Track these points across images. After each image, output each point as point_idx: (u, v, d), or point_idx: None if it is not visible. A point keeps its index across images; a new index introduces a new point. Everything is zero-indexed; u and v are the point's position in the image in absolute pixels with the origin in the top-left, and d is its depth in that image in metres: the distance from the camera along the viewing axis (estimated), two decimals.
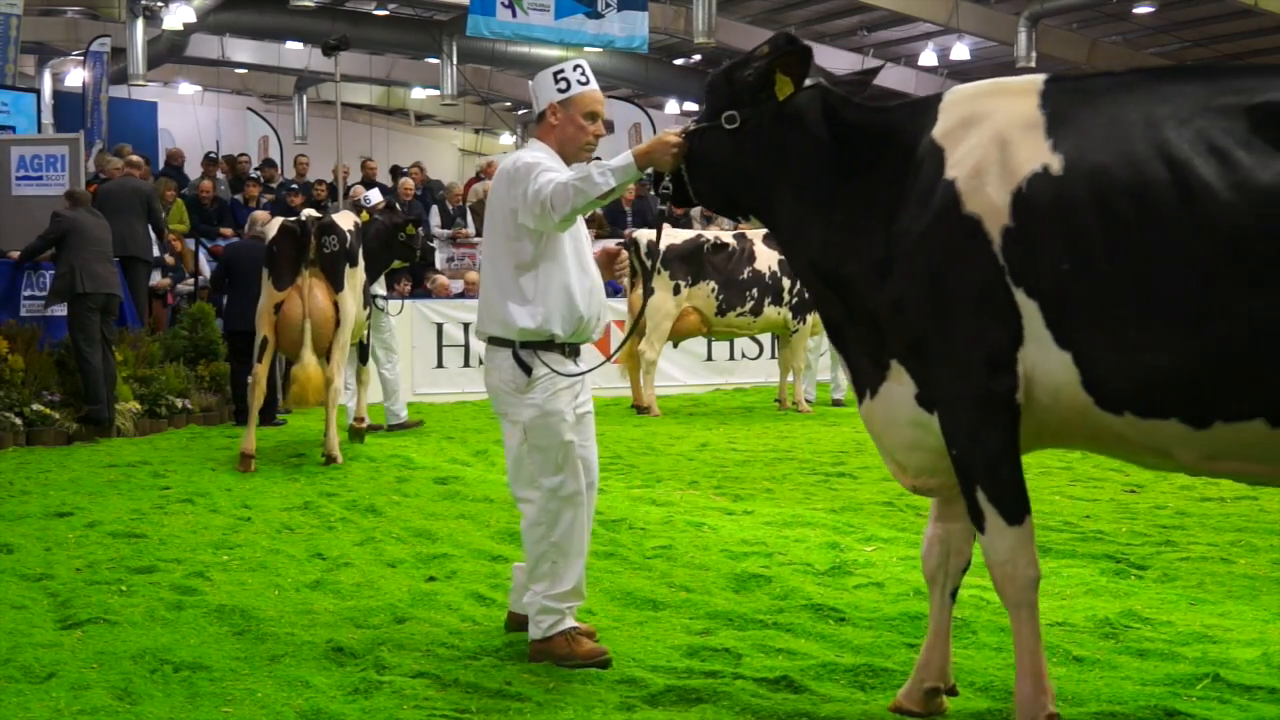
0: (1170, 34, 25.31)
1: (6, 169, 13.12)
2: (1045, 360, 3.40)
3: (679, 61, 28.04)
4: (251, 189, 16.25)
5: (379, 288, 11.27)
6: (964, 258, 3.47)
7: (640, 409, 12.93)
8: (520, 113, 31.56)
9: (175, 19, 21.01)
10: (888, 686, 4.22)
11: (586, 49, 21.84)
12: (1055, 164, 3.39)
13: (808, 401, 13.32)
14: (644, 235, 12.45)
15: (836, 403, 13.49)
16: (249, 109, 29.21)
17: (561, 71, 4.62)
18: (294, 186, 17.02)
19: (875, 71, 4.53)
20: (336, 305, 9.46)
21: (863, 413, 3.87)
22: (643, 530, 6.86)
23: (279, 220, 10.15)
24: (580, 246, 4.66)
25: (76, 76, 22.90)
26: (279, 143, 25.97)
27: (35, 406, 10.59)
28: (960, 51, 24.36)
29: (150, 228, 13.06)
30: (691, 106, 26.83)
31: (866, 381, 3.81)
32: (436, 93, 26.96)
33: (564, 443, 4.53)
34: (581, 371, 4.64)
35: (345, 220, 9.91)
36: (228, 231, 15.40)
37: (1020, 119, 3.49)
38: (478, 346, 13.90)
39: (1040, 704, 3.60)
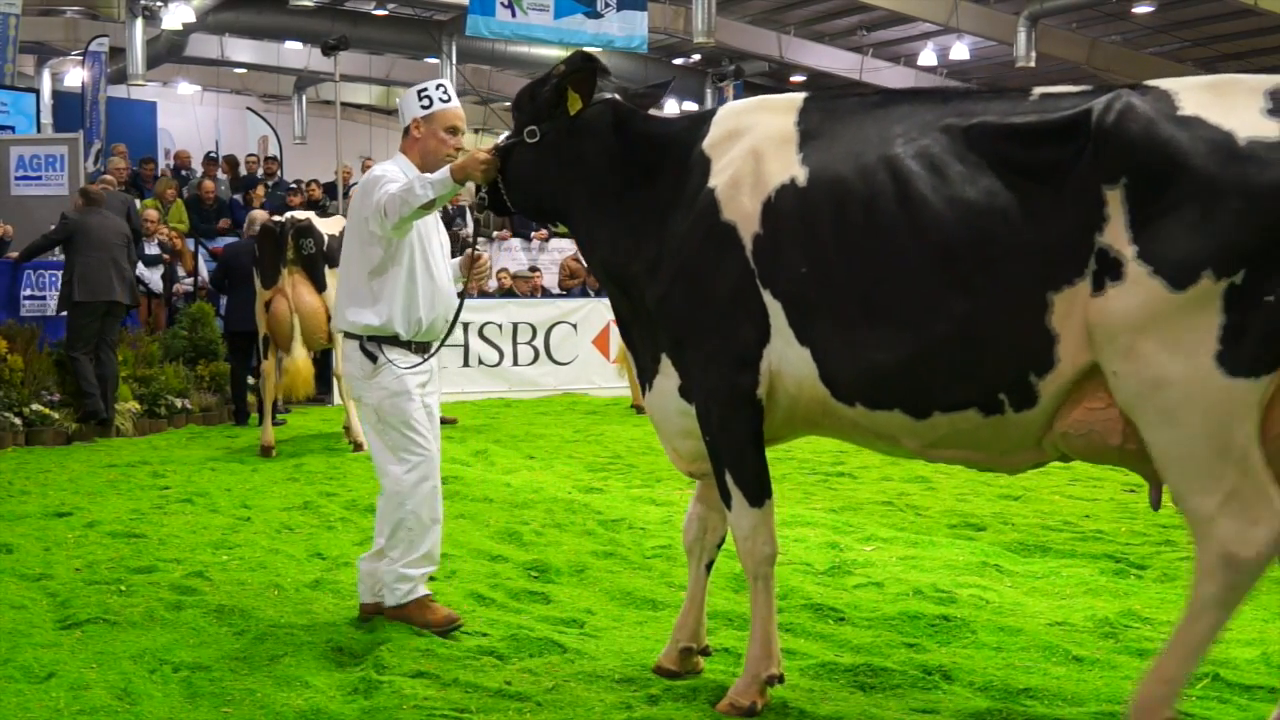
0: (1170, 34, 25.30)
1: (6, 169, 13.13)
2: (789, 355, 3.75)
3: (678, 61, 28.01)
4: (258, 190, 16.23)
5: None
6: (720, 261, 3.82)
7: (640, 409, 12.93)
8: None
9: (174, 19, 20.99)
10: (887, 686, 4.22)
11: (586, 49, 21.79)
12: (801, 176, 3.73)
13: None
14: None
15: None
16: (248, 109, 29.19)
17: (425, 90, 5.03)
18: (292, 186, 17.01)
19: (667, 85, 4.81)
20: (325, 301, 9.63)
21: (645, 404, 4.22)
22: (643, 530, 6.86)
23: (262, 215, 10.46)
24: (430, 252, 5.05)
25: (76, 76, 22.87)
26: (279, 142, 25.94)
27: (35, 406, 10.60)
28: (960, 51, 24.35)
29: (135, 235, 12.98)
30: (691, 106, 26.83)
31: (647, 375, 4.15)
32: None
33: (413, 420, 4.93)
34: (418, 362, 4.99)
35: (334, 224, 10.00)
36: (226, 224, 15.39)
37: (777, 134, 3.83)
38: (476, 346, 13.94)
39: (765, 665, 4.01)
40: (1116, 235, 3.27)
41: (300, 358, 9.82)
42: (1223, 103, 3.28)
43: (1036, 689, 4.13)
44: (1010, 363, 3.42)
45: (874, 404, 3.65)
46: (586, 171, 4.18)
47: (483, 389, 13.42)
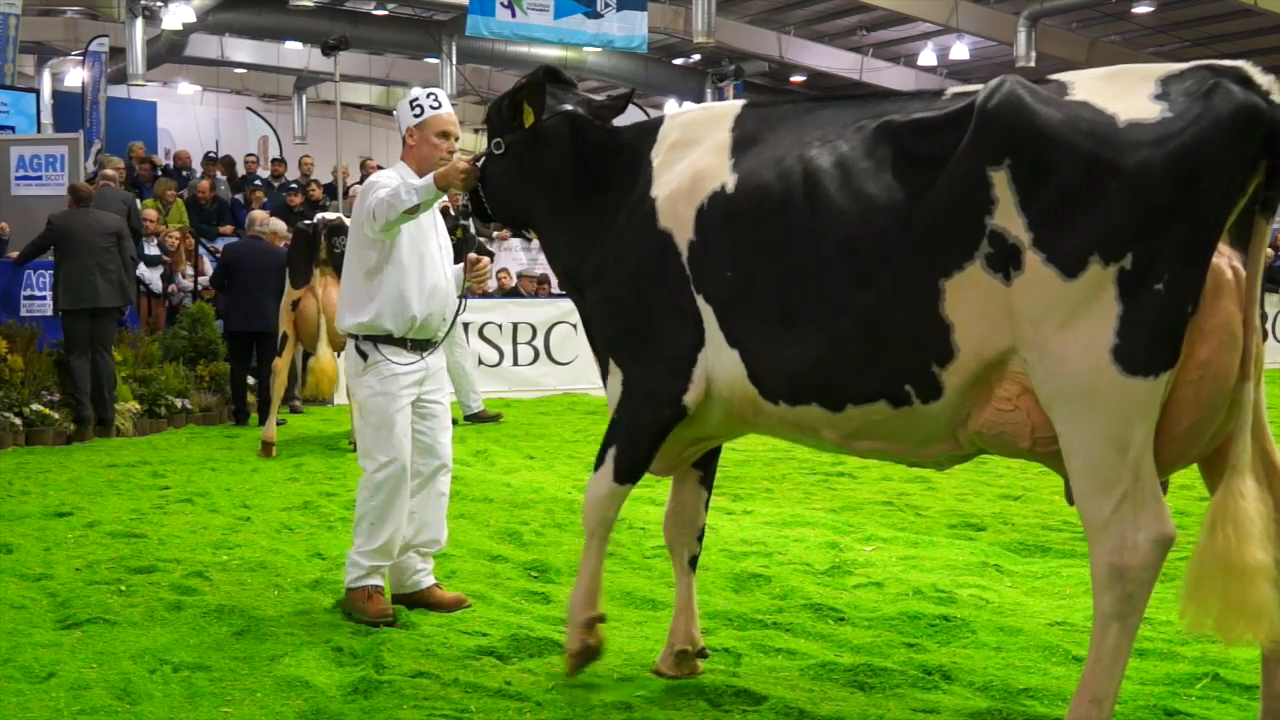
0: (1169, 34, 25.31)
1: (6, 169, 13.12)
2: (720, 357, 3.89)
3: (678, 61, 28.02)
4: (257, 193, 16.24)
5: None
6: (659, 267, 3.97)
7: None
8: None
9: (174, 19, 20.99)
10: (887, 686, 4.22)
11: (585, 49, 21.85)
12: (730, 183, 3.87)
13: None
14: None
15: None
16: (248, 109, 29.20)
17: (416, 99, 5.22)
18: (293, 186, 17.01)
19: (629, 96, 4.96)
20: None
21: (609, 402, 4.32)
22: (642, 530, 6.86)
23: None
24: (425, 252, 5.22)
25: (76, 76, 22.88)
26: (279, 142, 25.95)
27: (35, 406, 10.60)
28: (960, 51, 24.36)
29: (134, 234, 12.98)
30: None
31: (602, 375, 4.31)
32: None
33: (391, 421, 5.11)
34: (413, 360, 5.16)
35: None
36: (227, 230, 15.39)
37: (714, 143, 3.97)
38: (476, 346, 13.93)
39: (586, 610, 4.27)
40: (1010, 219, 3.30)
41: (325, 357, 9.99)
42: (1113, 89, 3.31)
43: (1036, 689, 4.13)
44: (911, 354, 3.50)
45: (794, 400, 3.78)
46: (546, 181, 4.38)
47: (483, 389, 13.36)
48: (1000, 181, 3.30)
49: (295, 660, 4.57)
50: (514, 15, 18.82)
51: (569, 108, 4.39)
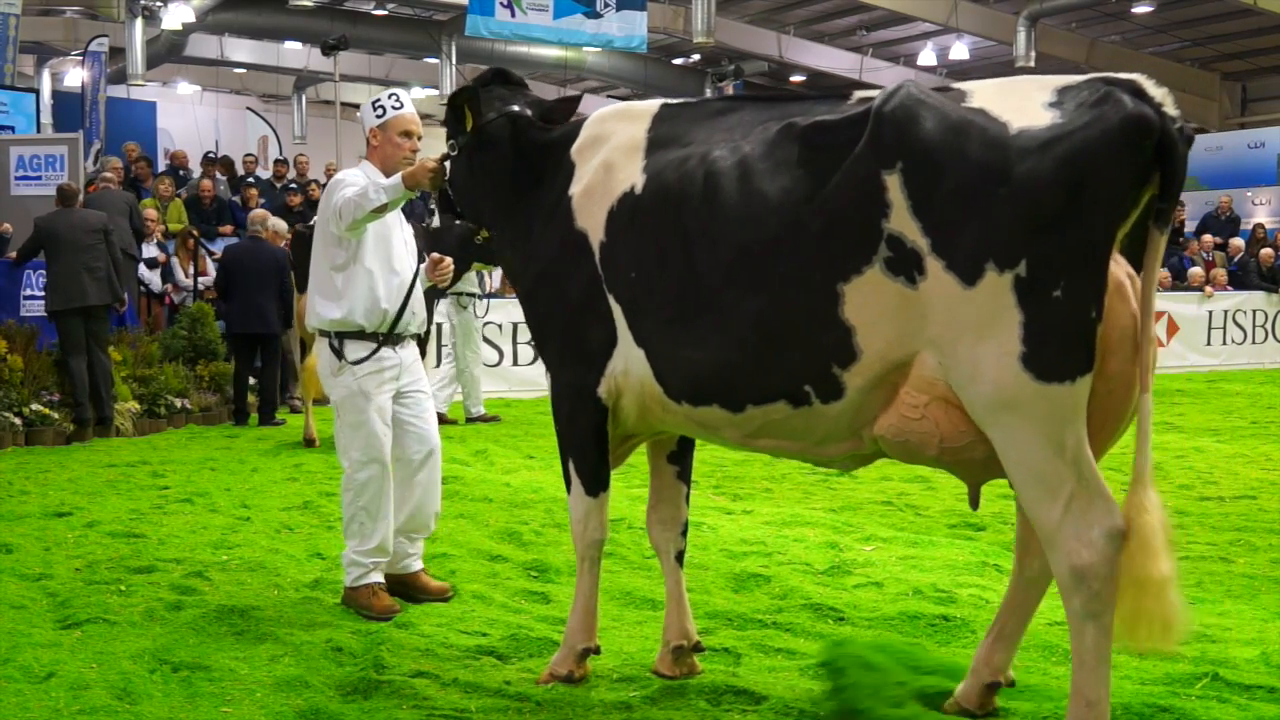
0: (1169, 34, 25.32)
1: (5, 169, 13.12)
2: (630, 356, 3.98)
3: (678, 61, 28.04)
4: (250, 190, 16.23)
5: (472, 287, 11.98)
6: (573, 266, 4.06)
7: None
8: None
9: (174, 19, 21.00)
10: None
11: (585, 49, 21.84)
12: (639, 184, 3.92)
13: None
14: None
15: None
16: (248, 109, 29.20)
17: (379, 100, 5.37)
18: (293, 186, 17.00)
19: (578, 99, 4.91)
20: None
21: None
22: (643, 530, 6.81)
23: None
24: (391, 249, 5.32)
25: (75, 76, 22.90)
26: (278, 142, 25.95)
27: (34, 406, 10.60)
28: (959, 51, 24.37)
29: (133, 235, 13.00)
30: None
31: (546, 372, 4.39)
32: (436, 92, 26.93)
33: (367, 420, 5.22)
34: (366, 356, 5.24)
35: None
36: (227, 230, 15.38)
37: (628, 142, 4.03)
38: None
39: (581, 638, 4.30)
40: (905, 223, 3.31)
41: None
42: (1010, 98, 3.34)
43: (1036, 689, 4.12)
44: (811, 355, 3.52)
45: (696, 399, 3.84)
46: (491, 181, 4.48)
47: (483, 389, 13.35)
48: (893, 185, 3.32)
49: (295, 660, 4.57)
50: (514, 15, 18.82)
51: (515, 109, 4.47)
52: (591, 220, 4.02)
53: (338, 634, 4.89)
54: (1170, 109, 3.23)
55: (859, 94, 3.62)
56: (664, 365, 3.88)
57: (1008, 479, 3.41)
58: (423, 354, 11.29)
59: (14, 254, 11.77)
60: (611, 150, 4.05)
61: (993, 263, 3.21)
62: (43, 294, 11.57)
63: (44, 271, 11.61)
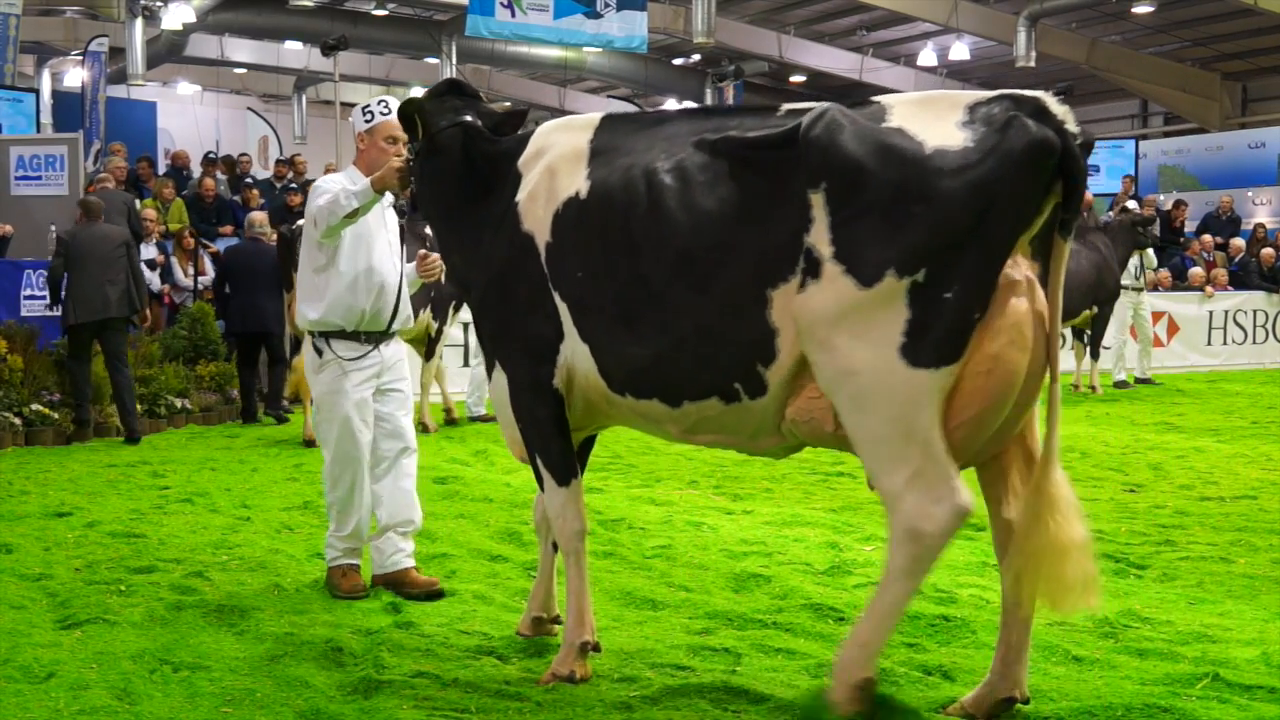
0: (1169, 34, 25.31)
1: (6, 169, 13.11)
2: (576, 351, 4.17)
3: (678, 61, 28.03)
4: (251, 191, 16.22)
5: None
6: (521, 267, 4.26)
7: None
8: None
9: (174, 19, 21.00)
10: (885, 685, 4.21)
11: (585, 49, 21.84)
12: (583, 190, 4.14)
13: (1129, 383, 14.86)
14: None
15: (1120, 384, 14.95)
16: (248, 109, 29.20)
17: (367, 106, 5.55)
18: (293, 186, 17.01)
19: (525, 111, 5.07)
20: None
21: (492, 395, 4.59)
22: (642, 530, 6.86)
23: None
24: (373, 249, 5.47)
25: (75, 76, 22.89)
26: (279, 142, 25.95)
27: (34, 406, 10.61)
28: (960, 51, 24.37)
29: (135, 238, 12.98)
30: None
31: (489, 371, 4.53)
32: None
33: (344, 417, 5.43)
34: (363, 354, 5.45)
35: None
36: (227, 230, 15.39)
37: (572, 151, 4.25)
38: (476, 346, 13.94)
39: (579, 634, 4.36)
40: (819, 236, 3.62)
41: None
42: (926, 116, 3.62)
43: (1036, 689, 4.12)
44: (741, 355, 3.81)
45: (638, 394, 4.08)
46: (442, 187, 4.65)
47: (483, 389, 13.38)
48: (817, 203, 3.61)
49: (295, 660, 4.57)
50: (514, 15, 18.83)
51: (467, 119, 4.62)
52: (537, 223, 4.22)
53: (338, 634, 4.89)
54: (1071, 125, 3.52)
55: (786, 106, 3.89)
56: (607, 360, 4.09)
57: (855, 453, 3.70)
58: (431, 354, 11.40)
59: (45, 272, 11.75)
60: (556, 158, 4.26)
61: (893, 270, 3.51)
62: (43, 294, 11.57)
63: (44, 271, 11.62)
